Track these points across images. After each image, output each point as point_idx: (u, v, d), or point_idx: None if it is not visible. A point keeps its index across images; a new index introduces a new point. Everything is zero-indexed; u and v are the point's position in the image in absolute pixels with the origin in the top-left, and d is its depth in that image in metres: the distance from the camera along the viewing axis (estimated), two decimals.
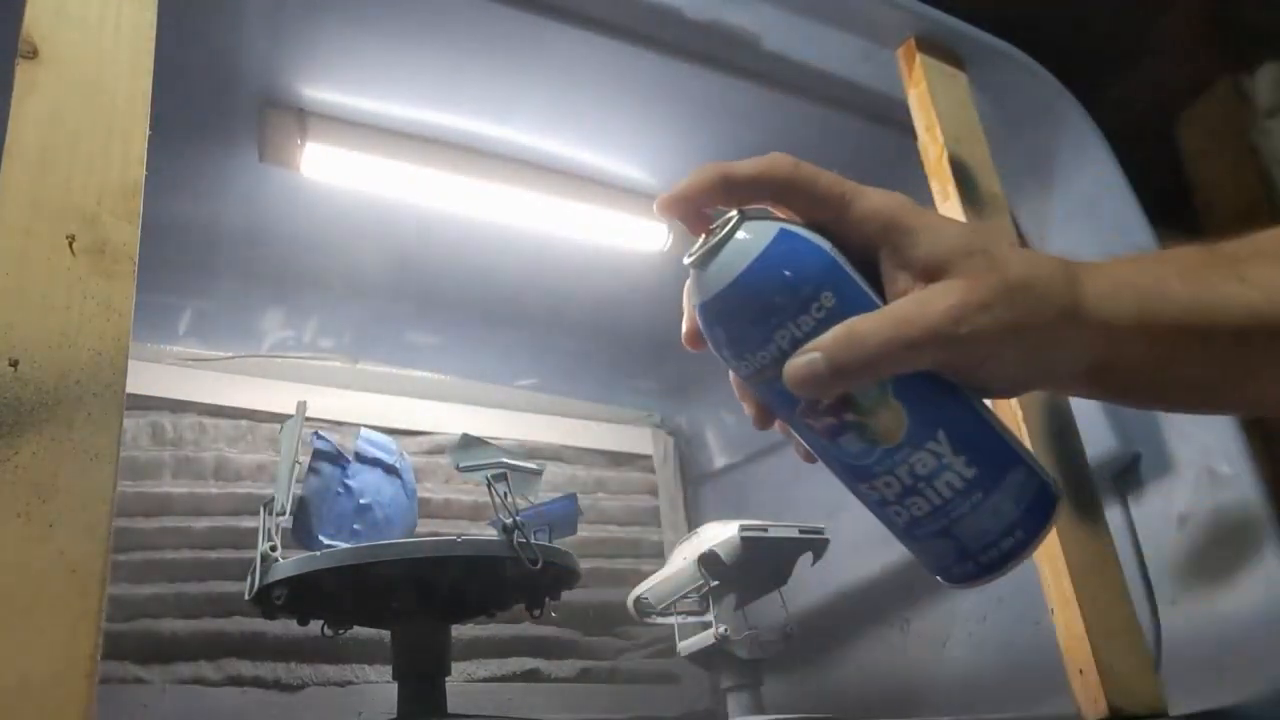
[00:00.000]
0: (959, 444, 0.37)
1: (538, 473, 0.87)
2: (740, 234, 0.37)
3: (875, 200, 0.38)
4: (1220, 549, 0.93)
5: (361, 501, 0.96)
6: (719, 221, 0.38)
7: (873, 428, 0.37)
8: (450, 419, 1.43)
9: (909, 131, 0.91)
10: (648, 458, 1.62)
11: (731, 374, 0.41)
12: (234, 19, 0.89)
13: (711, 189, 0.39)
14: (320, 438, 0.96)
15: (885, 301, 0.37)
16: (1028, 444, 0.45)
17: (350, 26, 0.93)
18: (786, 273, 0.36)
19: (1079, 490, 0.79)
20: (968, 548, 0.37)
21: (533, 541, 0.78)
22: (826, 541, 0.99)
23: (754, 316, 0.37)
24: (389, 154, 1.05)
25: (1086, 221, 1.06)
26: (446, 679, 0.84)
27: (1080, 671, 0.72)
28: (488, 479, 0.82)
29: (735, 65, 0.99)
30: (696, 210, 0.39)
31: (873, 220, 0.38)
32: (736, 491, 1.54)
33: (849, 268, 0.37)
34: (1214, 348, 0.40)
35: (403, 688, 0.83)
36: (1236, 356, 0.40)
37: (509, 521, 0.77)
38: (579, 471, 1.54)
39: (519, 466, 0.85)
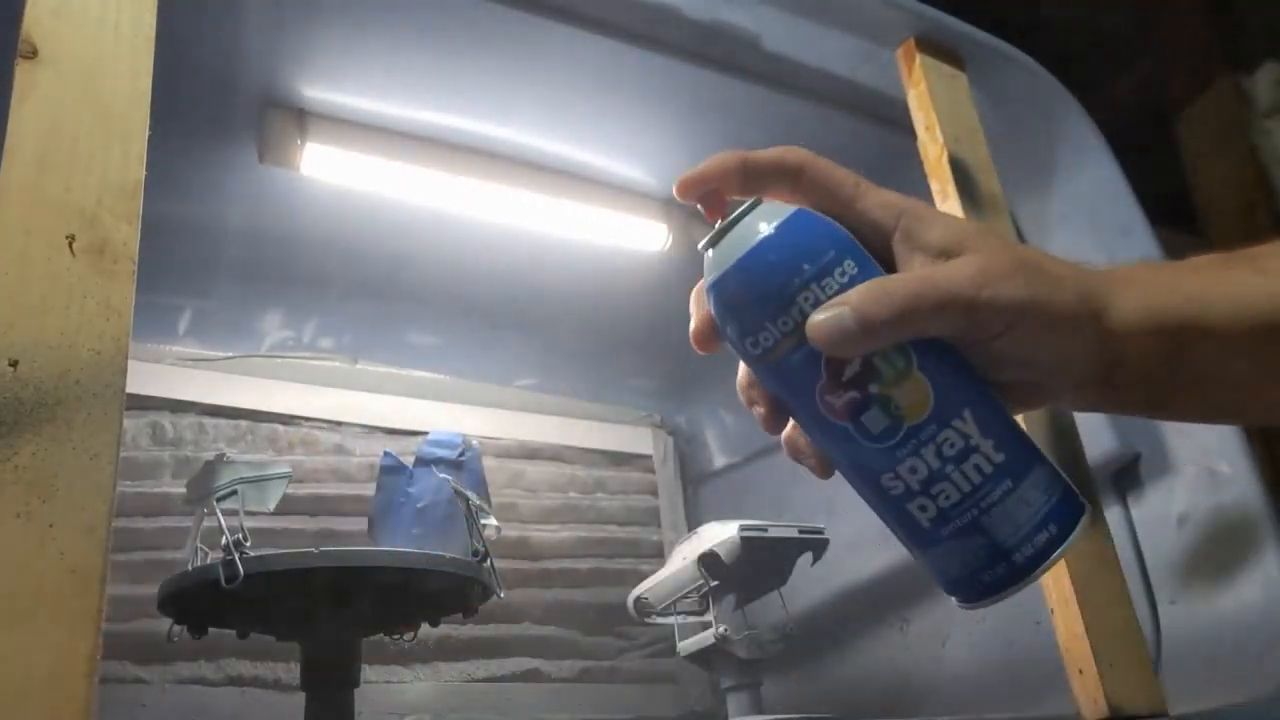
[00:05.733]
0: (985, 426, 0.36)
1: (283, 476, 0.84)
2: (759, 209, 0.38)
3: (887, 194, 0.40)
4: (1220, 549, 0.93)
5: (419, 505, 0.98)
6: (737, 209, 0.39)
7: (897, 401, 0.36)
8: (450, 419, 1.43)
9: (909, 131, 0.91)
10: (647, 458, 1.62)
11: (741, 373, 0.40)
12: (234, 19, 0.89)
13: (729, 173, 0.40)
14: (386, 454, 1.01)
15: None
16: None
17: (350, 26, 0.93)
18: (810, 240, 0.37)
19: (1079, 490, 0.79)
20: (1001, 543, 0.36)
21: (254, 555, 0.72)
22: (826, 541, 0.99)
23: (778, 282, 0.37)
24: (389, 154, 1.05)
25: (1086, 221, 1.05)
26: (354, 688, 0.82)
27: (1080, 671, 0.72)
28: (212, 506, 0.78)
29: (735, 65, 0.99)
30: (714, 194, 0.40)
31: (887, 208, 0.39)
32: (736, 491, 1.54)
33: (864, 250, 0.38)
34: (1230, 342, 0.38)
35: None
36: (1255, 353, 0.39)
37: (226, 541, 0.73)
38: (579, 471, 1.54)
39: (257, 477, 0.82)
